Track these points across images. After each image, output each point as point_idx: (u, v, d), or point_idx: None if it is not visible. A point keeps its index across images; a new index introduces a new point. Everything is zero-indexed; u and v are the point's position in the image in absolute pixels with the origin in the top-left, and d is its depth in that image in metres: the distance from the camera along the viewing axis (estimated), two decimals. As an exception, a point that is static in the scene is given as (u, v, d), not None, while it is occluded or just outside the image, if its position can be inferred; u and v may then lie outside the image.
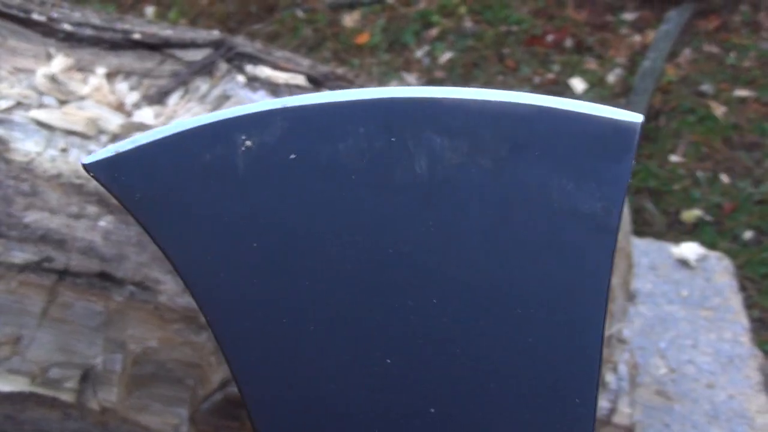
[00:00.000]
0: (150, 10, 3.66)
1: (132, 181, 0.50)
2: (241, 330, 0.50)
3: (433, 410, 0.49)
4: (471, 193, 0.49)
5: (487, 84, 3.09)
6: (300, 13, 3.60)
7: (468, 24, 3.50)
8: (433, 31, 3.47)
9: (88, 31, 1.56)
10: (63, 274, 1.34)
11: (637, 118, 0.49)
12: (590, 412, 0.49)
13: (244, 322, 0.50)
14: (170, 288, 1.33)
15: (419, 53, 3.37)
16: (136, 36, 1.56)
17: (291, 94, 1.37)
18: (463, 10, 3.56)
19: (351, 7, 3.62)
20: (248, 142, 0.50)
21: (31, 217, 1.33)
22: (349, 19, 3.56)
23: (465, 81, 3.16)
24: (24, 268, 1.33)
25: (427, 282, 0.49)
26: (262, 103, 0.51)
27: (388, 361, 0.50)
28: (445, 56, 3.33)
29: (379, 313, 0.50)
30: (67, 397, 1.40)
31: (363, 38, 3.44)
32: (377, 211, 0.50)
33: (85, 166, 0.50)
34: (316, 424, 0.50)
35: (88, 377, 1.39)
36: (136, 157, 0.50)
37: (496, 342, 0.49)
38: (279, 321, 0.50)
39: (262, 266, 0.50)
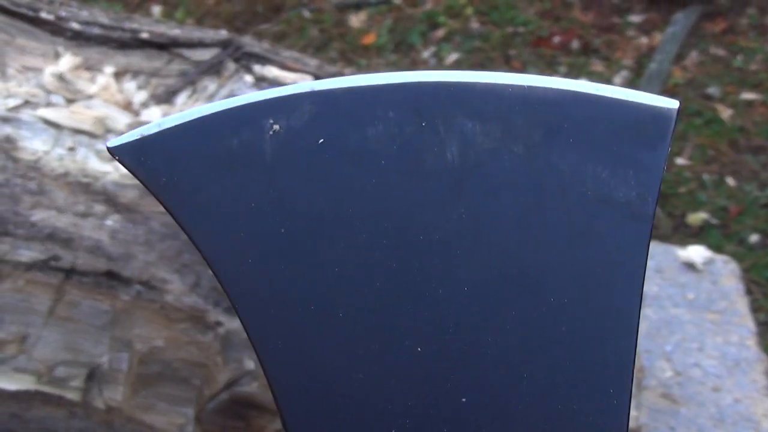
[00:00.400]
0: (157, 10, 3.66)
1: (157, 165, 0.50)
2: (268, 316, 0.50)
3: (464, 399, 0.49)
4: (503, 180, 0.48)
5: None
6: (306, 14, 3.60)
7: (475, 25, 3.50)
8: (440, 32, 3.47)
9: (96, 30, 1.56)
10: (70, 272, 1.34)
11: (674, 104, 0.48)
12: (625, 403, 0.48)
13: (272, 307, 0.50)
14: (177, 287, 1.33)
15: (426, 54, 3.37)
16: (144, 35, 1.56)
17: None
18: (469, 11, 3.56)
19: (357, 7, 3.62)
20: (276, 126, 0.49)
21: (38, 215, 1.33)
22: (356, 20, 3.56)
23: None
24: (31, 266, 1.33)
25: (459, 269, 0.49)
26: (290, 86, 0.50)
27: (419, 349, 0.49)
28: (452, 57, 3.33)
29: (409, 301, 0.49)
30: (72, 395, 1.40)
31: (369, 39, 3.44)
32: (407, 197, 0.49)
33: (110, 150, 0.49)
34: (345, 412, 0.49)
35: (94, 376, 1.40)
36: (161, 140, 0.50)
37: (528, 330, 0.48)
38: (307, 307, 0.49)
39: (289, 252, 0.49)
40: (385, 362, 0.49)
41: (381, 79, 0.50)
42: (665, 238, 2.48)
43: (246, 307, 0.50)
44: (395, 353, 0.49)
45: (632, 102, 0.48)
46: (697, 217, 2.63)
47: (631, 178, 0.48)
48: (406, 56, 3.35)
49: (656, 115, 0.48)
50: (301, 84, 0.50)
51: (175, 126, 0.50)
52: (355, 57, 3.34)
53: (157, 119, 0.51)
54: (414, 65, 3.30)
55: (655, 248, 2.22)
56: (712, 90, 3.10)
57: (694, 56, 3.26)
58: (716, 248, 2.38)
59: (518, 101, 0.48)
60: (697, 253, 2.22)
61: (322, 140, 0.49)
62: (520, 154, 0.48)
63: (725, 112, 3.00)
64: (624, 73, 3.21)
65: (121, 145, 0.50)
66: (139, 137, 0.50)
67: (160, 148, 0.50)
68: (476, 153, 0.48)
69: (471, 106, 0.48)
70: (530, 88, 0.48)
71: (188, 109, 1.39)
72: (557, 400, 0.48)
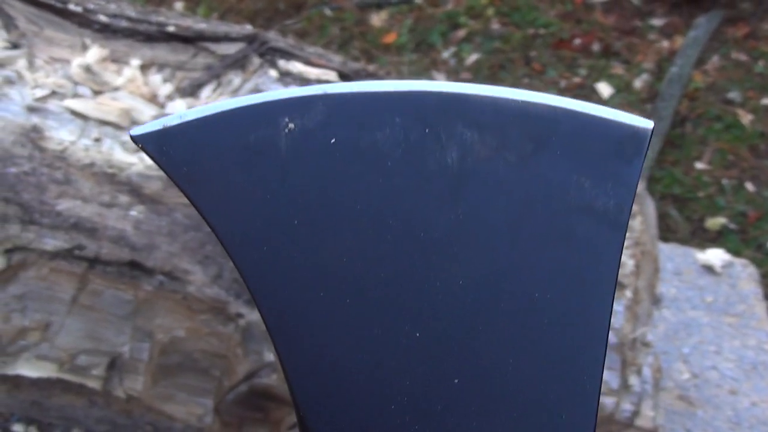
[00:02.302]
0: (179, 6, 3.68)
1: (178, 154, 0.53)
2: (282, 301, 0.53)
3: (456, 381, 0.53)
4: (497, 185, 0.52)
5: (513, 86, 3.08)
6: (328, 12, 3.62)
7: (495, 26, 3.50)
8: (461, 33, 3.48)
9: (124, 23, 1.57)
10: (93, 262, 1.35)
11: (648, 124, 0.52)
12: (596, 390, 0.52)
13: (286, 294, 0.53)
14: (199, 278, 1.34)
15: (446, 54, 3.37)
16: (171, 29, 1.57)
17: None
18: (490, 12, 3.56)
19: (379, 6, 3.62)
20: (291, 125, 0.53)
21: (64, 205, 1.34)
22: (377, 19, 3.57)
23: (491, 83, 3.15)
24: (55, 255, 1.35)
25: (455, 265, 0.52)
26: (305, 87, 0.53)
27: (417, 334, 0.53)
28: (472, 57, 3.33)
29: (410, 291, 0.53)
30: (93, 384, 1.42)
31: (390, 38, 3.45)
32: (411, 197, 0.53)
33: (133, 138, 0.52)
34: (349, 390, 0.53)
35: (115, 365, 1.41)
36: (182, 132, 0.53)
37: (514, 321, 0.52)
38: (317, 294, 0.53)
39: (302, 242, 0.53)
40: (387, 345, 0.53)
41: (389, 86, 0.53)
42: (683, 242, 2.48)
43: (262, 293, 0.53)
44: (396, 337, 0.53)
45: (613, 120, 0.52)
46: (715, 222, 2.63)
47: (610, 190, 0.52)
48: (426, 56, 3.36)
49: (633, 133, 0.52)
50: (315, 86, 0.53)
51: (196, 119, 0.53)
52: (377, 55, 3.34)
53: (179, 111, 0.53)
54: (434, 65, 3.31)
55: (674, 250, 2.22)
56: (733, 95, 3.10)
57: (715, 61, 3.25)
58: (734, 253, 2.37)
59: (513, 114, 0.53)
60: (715, 256, 2.22)
61: (333, 140, 0.53)
62: (513, 162, 0.52)
63: (746, 117, 2.99)
64: (644, 77, 3.21)
65: (144, 134, 0.53)
66: (161, 127, 0.53)
67: (181, 138, 0.53)
68: (474, 160, 0.52)
69: (471, 116, 0.53)
70: (525, 102, 0.53)
71: (212, 102, 1.41)
72: (537, 384, 0.52)
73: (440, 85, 0.53)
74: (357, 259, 0.53)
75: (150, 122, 0.53)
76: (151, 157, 0.53)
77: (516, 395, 0.52)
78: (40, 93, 1.43)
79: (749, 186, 2.75)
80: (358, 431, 0.53)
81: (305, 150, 0.53)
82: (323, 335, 0.53)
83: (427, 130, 0.52)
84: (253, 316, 1.34)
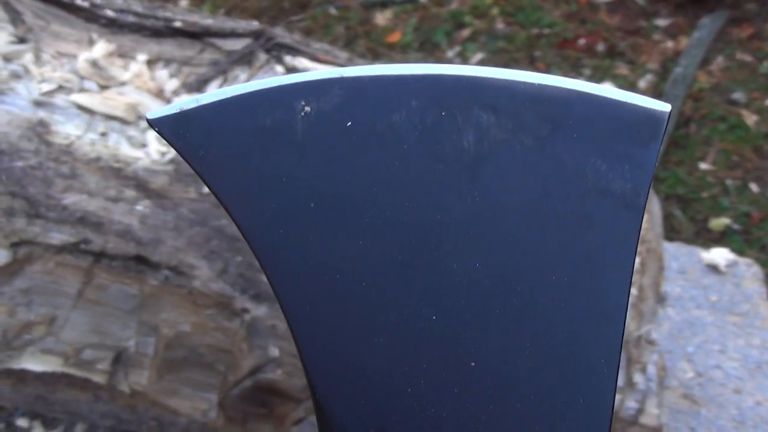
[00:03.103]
0: (184, 3, 3.68)
1: (195, 138, 0.53)
2: (298, 283, 0.53)
3: (473, 364, 0.53)
4: (513, 168, 0.53)
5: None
6: (333, 10, 3.62)
7: (500, 26, 3.50)
8: (465, 32, 3.47)
9: (130, 18, 1.57)
10: (99, 256, 1.35)
11: (666, 107, 0.52)
12: (613, 373, 0.52)
13: (301, 276, 0.53)
14: (204, 273, 1.34)
15: (450, 53, 3.37)
16: (177, 24, 1.57)
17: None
18: (495, 11, 3.56)
19: (383, 5, 3.62)
20: (307, 108, 0.53)
21: (70, 199, 1.34)
22: (381, 18, 3.56)
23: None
24: (61, 249, 1.35)
25: (471, 247, 0.53)
26: (321, 71, 0.54)
27: (434, 317, 0.53)
28: (477, 57, 3.33)
29: (426, 273, 0.53)
30: (98, 378, 1.42)
31: (394, 37, 3.45)
32: (427, 179, 0.53)
33: (150, 121, 0.53)
34: (367, 374, 0.53)
35: (120, 359, 1.41)
36: (199, 115, 0.53)
37: (531, 304, 0.53)
38: (333, 276, 0.53)
39: (318, 225, 0.53)
40: (403, 329, 0.53)
41: (405, 69, 0.54)
42: (687, 242, 2.48)
43: (277, 275, 0.54)
44: (412, 321, 0.53)
45: (630, 103, 0.52)
46: (719, 223, 2.62)
47: (627, 173, 0.52)
48: (430, 55, 3.36)
49: (650, 116, 0.52)
50: (331, 70, 0.54)
51: (213, 102, 0.54)
52: (382, 53, 3.34)
53: (195, 95, 0.53)
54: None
55: (679, 249, 2.22)
56: (738, 95, 3.09)
57: (719, 61, 3.25)
58: (738, 254, 2.37)
59: (529, 97, 0.53)
60: (720, 255, 2.21)
61: (349, 123, 0.53)
62: (529, 145, 0.53)
63: (750, 118, 2.99)
64: (649, 77, 3.21)
65: (160, 117, 0.53)
66: (178, 111, 0.53)
67: (198, 122, 0.53)
68: (490, 142, 0.53)
69: (487, 99, 0.53)
70: (540, 86, 0.53)
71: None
72: (554, 367, 0.53)
73: (456, 68, 0.53)
74: (373, 241, 0.53)
75: (167, 106, 0.53)
76: (168, 141, 0.53)
77: (532, 378, 0.52)
78: (46, 87, 1.43)
79: (753, 187, 2.75)
80: (376, 414, 0.53)
81: (321, 133, 0.53)
82: (340, 318, 0.53)
83: (443, 113, 0.53)
84: (259, 311, 1.34)
